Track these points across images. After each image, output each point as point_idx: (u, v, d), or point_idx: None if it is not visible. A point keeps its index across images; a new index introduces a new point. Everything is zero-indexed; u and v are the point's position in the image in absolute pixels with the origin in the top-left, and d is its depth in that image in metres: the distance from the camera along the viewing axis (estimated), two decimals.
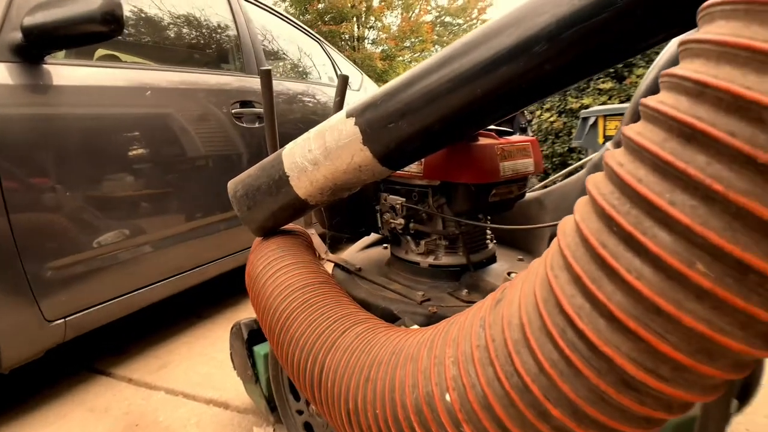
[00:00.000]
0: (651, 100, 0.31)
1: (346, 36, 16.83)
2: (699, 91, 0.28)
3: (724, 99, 0.26)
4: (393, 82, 0.70)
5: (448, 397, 0.42)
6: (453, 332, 0.45)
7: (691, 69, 0.29)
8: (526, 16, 0.57)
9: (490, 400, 0.38)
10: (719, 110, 0.27)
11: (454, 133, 0.70)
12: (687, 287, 0.28)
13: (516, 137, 0.96)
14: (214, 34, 2.25)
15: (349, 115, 0.74)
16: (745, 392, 0.94)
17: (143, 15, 1.90)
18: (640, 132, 0.31)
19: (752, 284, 0.26)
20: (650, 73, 0.80)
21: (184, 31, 2.15)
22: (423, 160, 0.88)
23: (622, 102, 4.30)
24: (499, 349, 0.38)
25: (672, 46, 0.73)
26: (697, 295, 0.28)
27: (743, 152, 0.25)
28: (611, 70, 4.46)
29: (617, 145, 0.76)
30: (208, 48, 2.25)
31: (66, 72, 1.38)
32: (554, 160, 5.03)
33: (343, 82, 1.12)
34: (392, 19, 18.97)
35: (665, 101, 0.30)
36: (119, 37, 1.41)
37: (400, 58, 17.77)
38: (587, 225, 0.33)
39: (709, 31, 0.29)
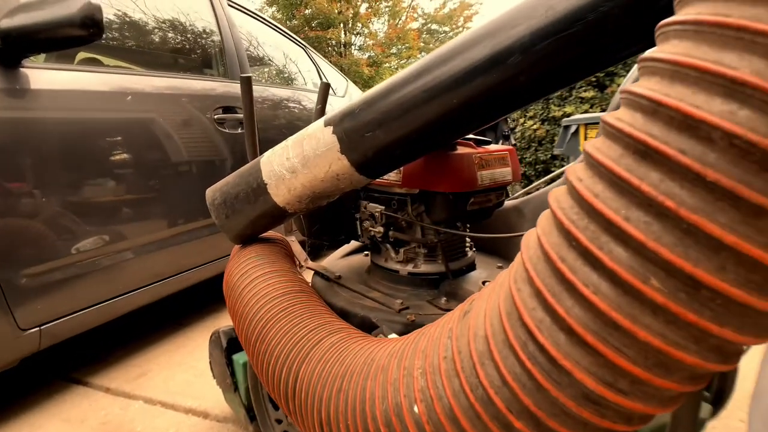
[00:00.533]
0: (609, 117, 0.32)
1: (333, 42, 16.87)
2: (653, 108, 0.28)
3: (676, 117, 0.27)
4: (371, 92, 0.70)
5: (416, 409, 0.42)
6: (422, 343, 0.45)
7: (646, 87, 0.29)
8: (501, 28, 0.58)
9: (456, 413, 0.38)
10: (671, 128, 0.27)
11: (432, 142, 0.70)
12: (642, 302, 0.28)
13: (494, 146, 0.96)
14: (198, 39, 2.24)
15: (327, 124, 0.74)
16: (719, 397, 0.95)
17: (126, 18, 1.88)
18: (599, 148, 0.32)
19: (704, 299, 0.27)
20: (623, 86, 0.81)
21: (168, 35, 2.14)
22: (402, 168, 0.88)
23: (603, 110, 4.36)
24: (464, 361, 0.38)
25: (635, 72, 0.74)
26: (653, 309, 0.28)
27: (693, 170, 0.26)
28: (593, 79, 4.52)
29: None
30: (191, 53, 2.24)
31: (45, 76, 1.37)
32: (537, 167, 5.08)
33: (325, 89, 1.12)
34: (379, 26, 19.08)
35: (622, 118, 0.31)
36: (101, 41, 1.40)
37: (387, 64, 17.85)
38: (548, 239, 0.34)
39: (663, 50, 0.30)
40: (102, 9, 1.30)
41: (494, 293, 0.39)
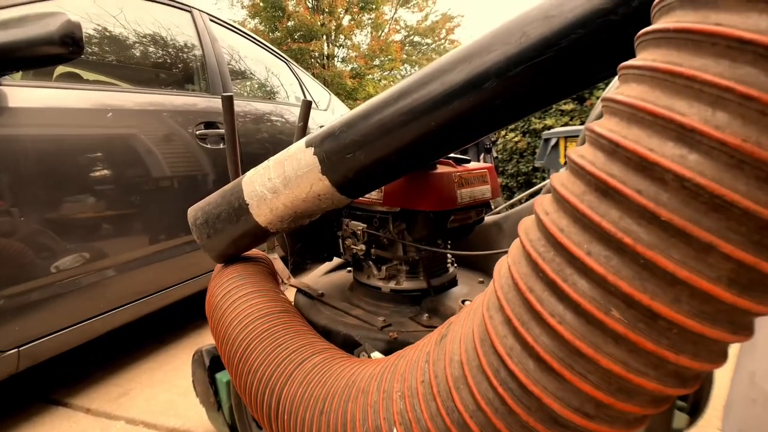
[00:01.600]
0: (574, 154, 0.34)
1: (316, 54, 16.91)
2: (612, 149, 0.30)
3: (633, 159, 0.29)
4: (351, 113, 0.72)
5: (395, 431, 0.43)
6: (401, 367, 0.47)
7: (607, 127, 0.31)
8: (477, 53, 0.60)
9: None
10: (629, 168, 0.29)
11: (412, 163, 0.71)
12: (605, 332, 0.30)
13: (473, 164, 0.98)
14: (180, 54, 2.24)
15: (308, 145, 0.75)
16: (695, 407, 0.98)
17: (107, 33, 1.88)
18: (564, 183, 0.33)
19: (661, 329, 0.29)
20: (598, 105, 0.84)
21: (149, 50, 2.13)
22: (383, 187, 0.90)
23: (582, 123, 4.45)
24: (441, 385, 0.40)
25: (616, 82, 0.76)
26: (614, 338, 0.30)
27: (648, 209, 0.28)
28: None
29: None
30: (173, 68, 2.24)
31: (23, 94, 1.36)
32: (519, 178, 5.16)
33: (306, 107, 1.13)
34: (362, 38, 19.19)
35: (585, 156, 0.32)
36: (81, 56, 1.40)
37: (370, 76, 17.93)
38: (518, 269, 0.35)
39: (623, 92, 0.32)
40: (82, 26, 1.30)
41: (469, 319, 0.41)
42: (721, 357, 0.30)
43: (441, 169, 0.90)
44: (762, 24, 0.25)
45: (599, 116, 0.84)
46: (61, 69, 1.83)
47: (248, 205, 0.82)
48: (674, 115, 0.27)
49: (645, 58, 0.31)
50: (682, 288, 0.28)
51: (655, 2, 0.33)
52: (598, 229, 0.30)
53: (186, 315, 2.20)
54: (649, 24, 0.34)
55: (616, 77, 0.80)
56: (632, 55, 0.35)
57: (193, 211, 0.93)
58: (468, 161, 1.00)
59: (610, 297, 0.30)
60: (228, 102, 1.06)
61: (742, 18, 0.26)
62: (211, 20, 2.38)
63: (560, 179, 0.34)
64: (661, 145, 0.28)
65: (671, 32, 0.29)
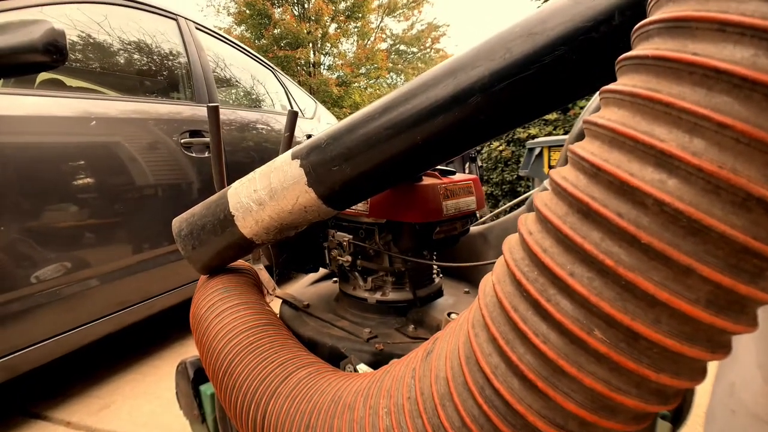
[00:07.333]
0: (556, 175, 0.34)
1: (302, 61, 16.93)
2: (594, 172, 0.31)
3: (614, 182, 0.30)
4: (337, 126, 0.72)
5: None
6: (387, 382, 0.47)
7: (589, 150, 0.32)
8: (462, 68, 0.60)
9: None
10: (610, 192, 0.30)
11: (398, 175, 0.72)
12: (587, 351, 0.31)
13: (459, 176, 0.99)
14: (165, 62, 2.23)
15: (294, 157, 0.75)
16: (678, 415, 0.99)
17: (91, 40, 1.87)
18: (547, 204, 0.34)
19: (642, 348, 0.29)
20: (581, 119, 0.85)
21: (134, 57, 2.12)
22: (369, 199, 0.90)
23: (566, 132, 4.51)
24: (427, 402, 0.40)
25: (596, 99, 0.78)
26: (597, 358, 0.31)
27: (629, 232, 0.28)
28: None
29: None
30: (158, 76, 2.23)
31: (4, 102, 1.34)
32: (504, 187, 5.21)
33: (292, 118, 1.13)
34: (348, 46, 19.27)
35: (568, 177, 0.33)
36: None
37: (356, 84, 17.99)
38: (502, 288, 0.36)
39: (604, 115, 0.32)
40: (65, 35, 1.29)
41: (454, 335, 0.41)
42: (700, 374, 0.31)
43: (426, 180, 0.91)
44: (736, 54, 0.26)
45: (579, 134, 0.86)
46: (44, 75, 1.81)
47: (233, 216, 0.82)
48: (654, 141, 0.28)
49: (626, 83, 0.32)
50: (662, 309, 0.28)
51: (635, 27, 0.34)
52: (580, 250, 0.31)
53: (170, 325, 2.17)
54: (630, 42, 0.35)
55: (597, 93, 0.82)
56: (613, 72, 0.36)
57: (178, 222, 0.92)
58: (453, 173, 1.01)
59: (593, 317, 0.30)
60: (213, 113, 1.05)
61: (717, 48, 0.27)
62: (197, 28, 2.37)
63: (543, 199, 0.35)
64: (641, 170, 0.28)
65: (650, 59, 0.30)
